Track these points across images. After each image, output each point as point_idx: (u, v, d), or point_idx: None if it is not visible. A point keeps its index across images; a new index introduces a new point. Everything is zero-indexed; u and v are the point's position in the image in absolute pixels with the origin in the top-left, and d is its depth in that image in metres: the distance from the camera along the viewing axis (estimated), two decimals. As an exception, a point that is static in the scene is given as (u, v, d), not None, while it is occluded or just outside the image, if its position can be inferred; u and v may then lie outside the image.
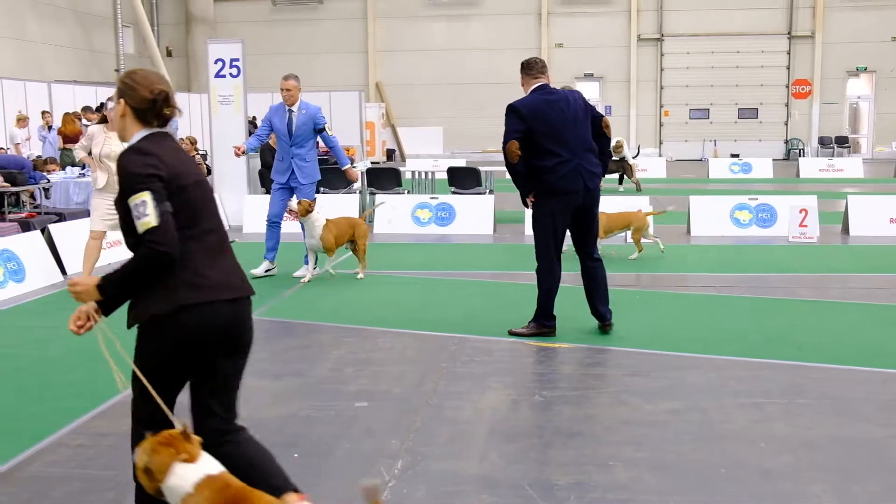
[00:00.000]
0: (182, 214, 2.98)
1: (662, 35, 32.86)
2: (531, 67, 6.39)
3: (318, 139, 9.19)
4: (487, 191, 14.16)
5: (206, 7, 32.99)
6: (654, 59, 33.09)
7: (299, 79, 8.94)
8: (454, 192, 13.83)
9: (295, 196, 8.71)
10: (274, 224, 8.99)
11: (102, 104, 17.07)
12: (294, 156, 8.78)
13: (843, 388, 5.33)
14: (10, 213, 11.63)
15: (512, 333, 6.58)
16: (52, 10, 27.21)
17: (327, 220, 8.64)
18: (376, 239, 11.88)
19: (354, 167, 9.64)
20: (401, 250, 10.97)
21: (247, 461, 3.06)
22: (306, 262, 8.96)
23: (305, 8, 34.17)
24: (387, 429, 4.64)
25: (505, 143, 6.22)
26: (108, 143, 8.31)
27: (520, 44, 33.16)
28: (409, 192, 14.49)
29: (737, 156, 29.13)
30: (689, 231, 12.30)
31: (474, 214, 12.62)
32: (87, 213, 10.98)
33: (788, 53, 32.41)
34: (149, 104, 3.06)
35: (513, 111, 6.23)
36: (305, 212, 8.41)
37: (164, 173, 2.95)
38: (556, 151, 6.18)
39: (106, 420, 4.83)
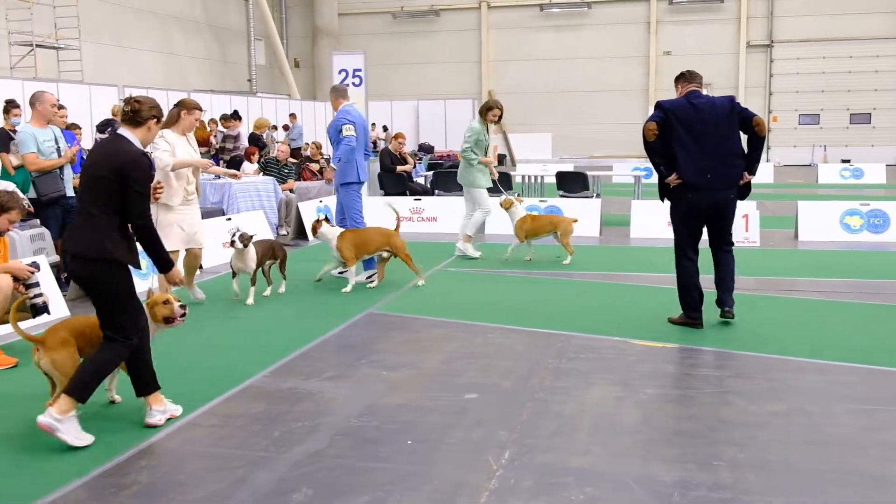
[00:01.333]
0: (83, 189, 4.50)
1: (772, 41, 31.73)
2: (693, 77, 6.61)
3: (372, 142, 9.36)
4: (594, 195, 14.00)
5: (332, 20, 33.81)
6: (763, 66, 31.98)
7: (335, 90, 9.28)
8: (562, 196, 13.72)
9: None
10: None
11: (236, 111, 17.72)
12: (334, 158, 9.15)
13: (957, 396, 5.02)
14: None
15: (669, 321, 6.79)
16: (195, 25, 28.43)
17: (343, 231, 8.44)
18: (488, 239, 11.91)
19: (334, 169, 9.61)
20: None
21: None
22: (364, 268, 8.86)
23: (423, 20, 34.56)
24: (495, 420, 4.64)
25: (644, 124, 6.48)
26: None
27: (628, 52, 32.66)
28: (519, 195, 14.44)
29: (847, 161, 27.82)
30: (796, 236, 11.82)
31: (581, 217, 12.46)
32: (221, 212, 11.40)
33: (904, 58, 30.75)
34: (122, 112, 4.62)
35: (657, 105, 6.56)
36: (314, 230, 8.42)
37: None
38: (690, 148, 6.35)
39: (237, 403, 5.00)
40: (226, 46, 30.57)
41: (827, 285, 8.46)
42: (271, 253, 8.25)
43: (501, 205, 10.07)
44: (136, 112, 4.53)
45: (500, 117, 10.23)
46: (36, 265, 5.92)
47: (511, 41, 33.81)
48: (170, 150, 7.24)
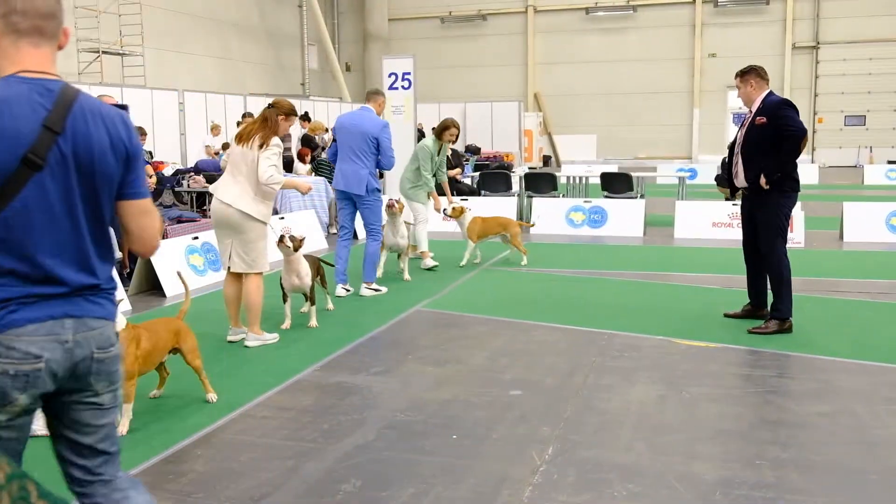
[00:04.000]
0: None
1: (818, 43, 31.01)
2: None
3: (379, 149, 8.02)
4: (638, 195, 13.84)
5: (382, 25, 33.94)
6: (808, 67, 31.27)
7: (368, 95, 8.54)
8: (607, 197, 13.59)
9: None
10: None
11: (306, 113, 17.91)
12: None
13: None
14: (209, 210, 12.39)
15: (753, 332, 6.32)
16: (251, 31, 28.78)
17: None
18: (533, 239, 11.86)
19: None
20: (555, 250, 10.89)
21: None
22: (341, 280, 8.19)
23: (471, 24, 34.52)
24: (539, 416, 4.62)
25: (804, 135, 6.23)
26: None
27: (673, 54, 32.19)
28: (563, 196, 14.38)
29: (894, 162, 27.10)
30: (841, 237, 11.55)
31: (625, 217, 12.36)
32: (274, 211, 11.46)
33: (953, 59, 29.79)
34: None
35: (795, 108, 6.39)
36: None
37: None
38: None
39: (287, 395, 5.05)
40: (280, 51, 30.90)
41: (872, 286, 8.24)
42: (316, 269, 7.24)
43: (452, 214, 9.55)
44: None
45: (457, 137, 9.55)
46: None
47: (557, 44, 33.58)
48: (278, 165, 6.13)
